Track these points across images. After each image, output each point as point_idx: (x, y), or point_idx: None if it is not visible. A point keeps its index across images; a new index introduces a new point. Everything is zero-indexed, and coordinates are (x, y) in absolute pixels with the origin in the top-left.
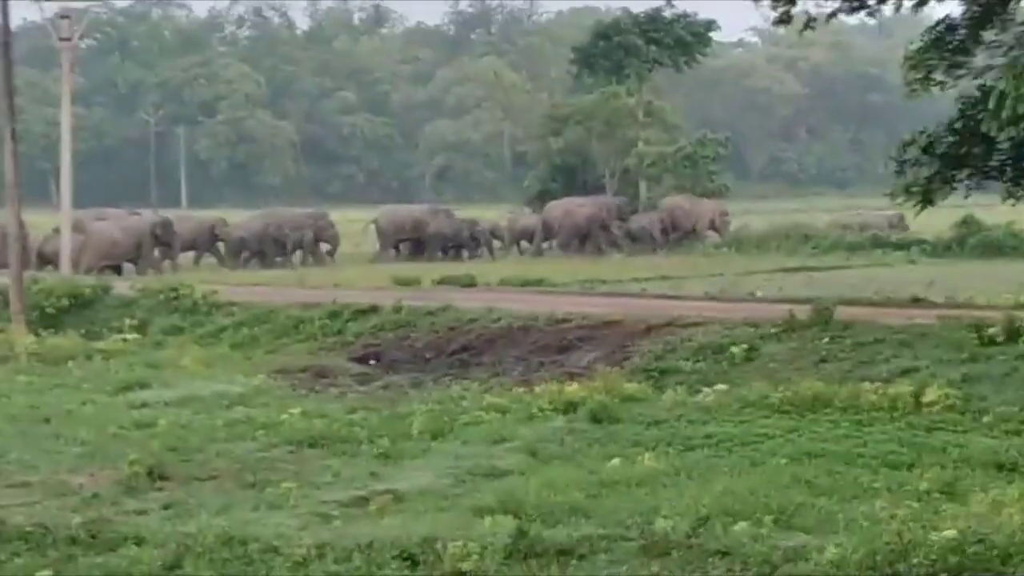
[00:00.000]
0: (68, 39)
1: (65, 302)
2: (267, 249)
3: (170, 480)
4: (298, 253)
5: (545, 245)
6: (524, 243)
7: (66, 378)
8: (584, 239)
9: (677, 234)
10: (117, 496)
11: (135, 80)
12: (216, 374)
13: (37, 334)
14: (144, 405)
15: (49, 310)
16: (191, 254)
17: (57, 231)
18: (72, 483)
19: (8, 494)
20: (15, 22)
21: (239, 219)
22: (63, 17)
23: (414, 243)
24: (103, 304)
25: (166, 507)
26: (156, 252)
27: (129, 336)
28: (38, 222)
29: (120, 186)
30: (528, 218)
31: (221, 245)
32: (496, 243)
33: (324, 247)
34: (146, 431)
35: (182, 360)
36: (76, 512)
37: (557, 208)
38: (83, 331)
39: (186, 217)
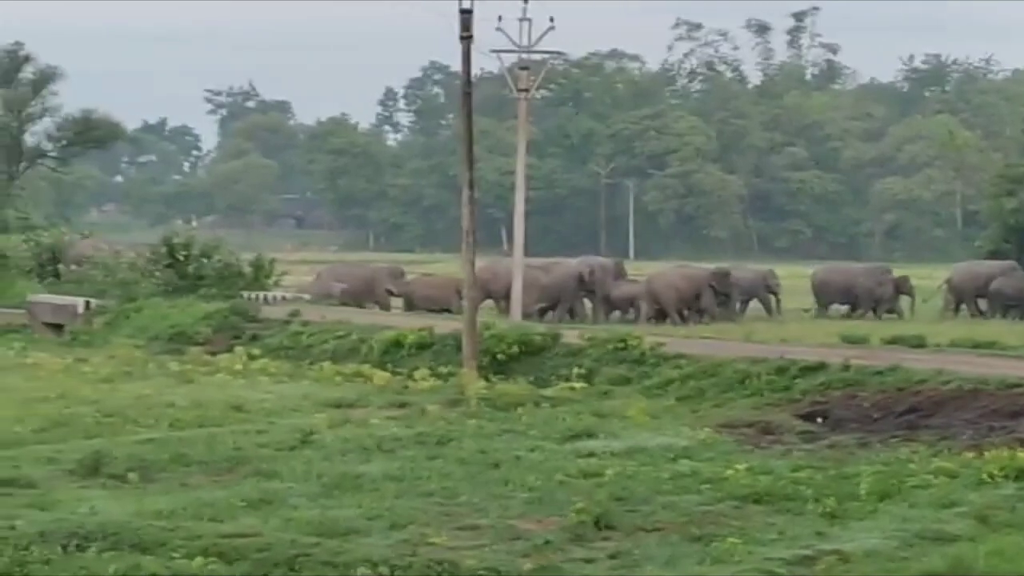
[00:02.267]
0: (526, 90)
1: (516, 349)
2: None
3: (616, 530)
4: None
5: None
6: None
7: (515, 424)
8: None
9: None
10: (564, 543)
11: (587, 131)
12: (662, 426)
13: (488, 379)
14: (591, 454)
15: (500, 356)
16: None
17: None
18: (520, 528)
19: (459, 536)
20: (473, 72)
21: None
22: (522, 68)
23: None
24: (552, 352)
25: (612, 556)
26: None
27: (577, 385)
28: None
29: (569, 235)
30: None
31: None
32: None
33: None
34: (593, 480)
35: (628, 411)
36: (526, 557)
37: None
38: (532, 378)
39: (738, 267)
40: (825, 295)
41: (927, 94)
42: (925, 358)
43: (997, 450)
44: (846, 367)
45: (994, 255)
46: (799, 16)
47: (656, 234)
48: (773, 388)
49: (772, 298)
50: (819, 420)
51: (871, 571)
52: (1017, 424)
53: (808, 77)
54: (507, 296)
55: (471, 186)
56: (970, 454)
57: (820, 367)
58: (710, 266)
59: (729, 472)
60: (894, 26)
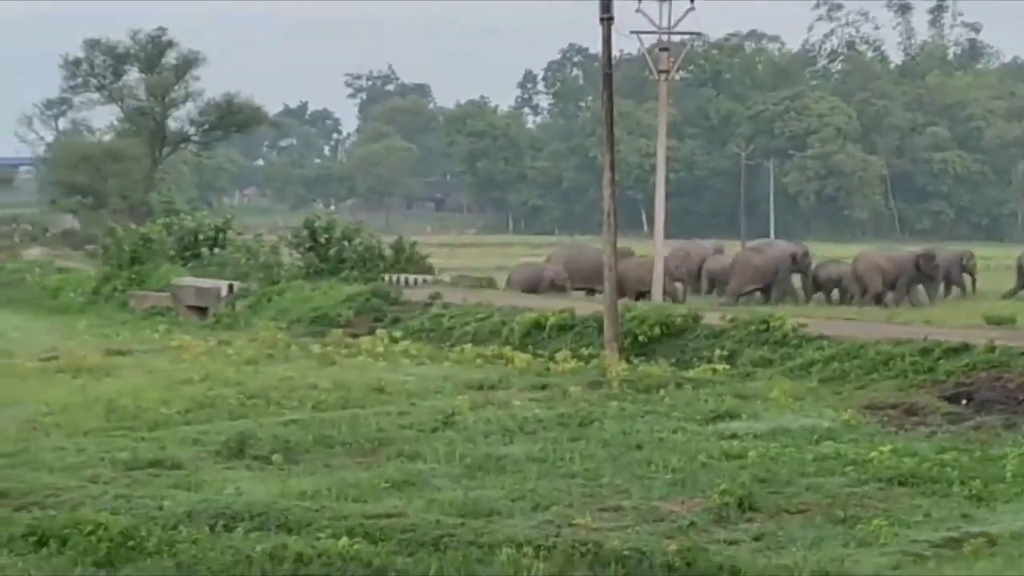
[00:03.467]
0: (666, 71)
1: (657, 330)
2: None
3: (760, 512)
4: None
5: None
6: None
7: (657, 406)
8: None
9: None
10: (708, 525)
11: (727, 112)
12: (805, 408)
13: (629, 361)
14: (733, 436)
15: (641, 338)
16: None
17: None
18: (664, 510)
19: (602, 518)
20: (613, 54)
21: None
22: (662, 50)
23: None
24: (694, 334)
25: (756, 538)
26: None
27: (718, 366)
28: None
29: (709, 217)
30: None
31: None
32: None
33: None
34: (736, 462)
35: (771, 392)
36: (670, 539)
37: None
38: (673, 360)
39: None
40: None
41: None
42: None
43: None
44: (991, 348)
45: None
46: None
47: (796, 216)
48: (917, 370)
49: (968, 279)
50: (964, 401)
51: (1018, 554)
52: None
53: (950, 56)
54: (699, 276)
55: (612, 168)
56: None
57: (964, 348)
58: (856, 248)
59: (873, 454)
60: None
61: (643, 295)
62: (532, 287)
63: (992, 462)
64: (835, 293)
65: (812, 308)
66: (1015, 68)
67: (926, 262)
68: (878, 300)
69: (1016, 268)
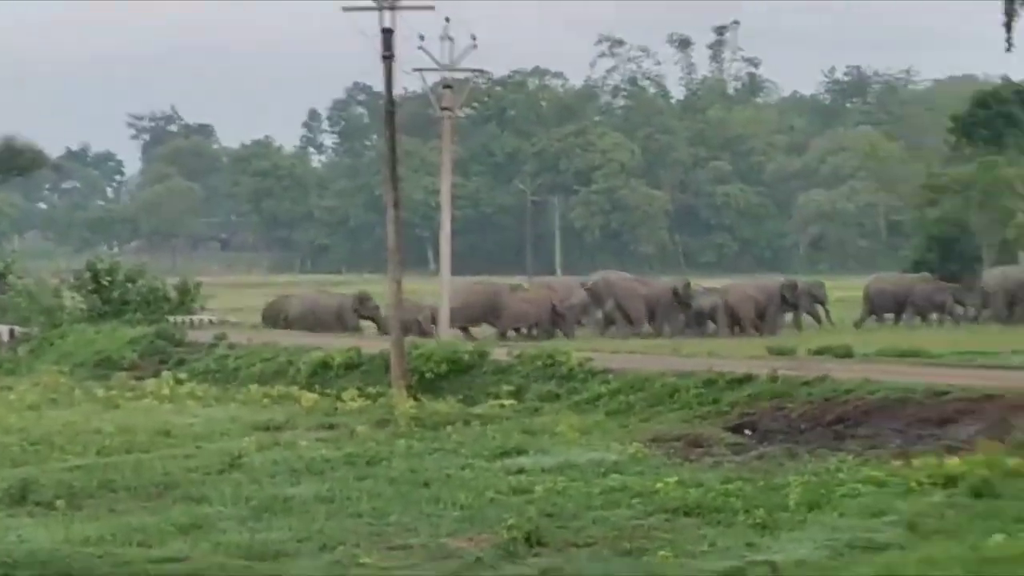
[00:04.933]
0: (449, 108)
1: (444, 367)
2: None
3: (547, 546)
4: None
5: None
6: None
7: (444, 443)
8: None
9: None
10: (496, 561)
11: (512, 149)
12: (592, 441)
13: (417, 399)
14: (521, 471)
15: (428, 375)
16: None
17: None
18: (451, 547)
19: (390, 556)
20: (397, 92)
21: None
22: (445, 87)
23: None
24: (481, 370)
25: (544, 573)
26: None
27: (506, 402)
28: (417, 289)
29: (496, 253)
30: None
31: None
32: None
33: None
34: (523, 497)
35: (558, 427)
36: None
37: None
38: (461, 396)
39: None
40: (879, 304)
41: (849, 106)
42: (852, 368)
43: (925, 458)
44: (774, 378)
45: (919, 265)
46: (720, 30)
47: (582, 250)
48: (701, 401)
49: (820, 308)
50: (747, 432)
51: None
52: (944, 431)
53: (731, 91)
54: (583, 312)
55: (396, 205)
56: (898, 462)
57: (747, 379)
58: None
59: (659, 485)
60: (815, 38)
61: (517, 331)
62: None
63: (775, 491)
64: (710, 325)
65: (600, 341)
66: (794, 102)
67: (790, 291)
68: (753, 329)
69: (864, 296)
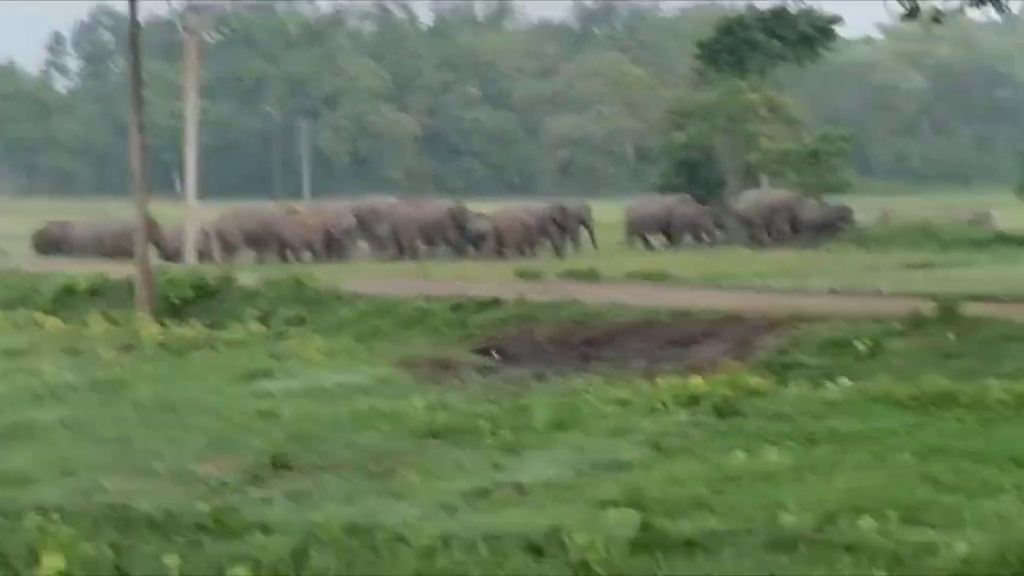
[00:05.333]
0: (195, 32)
1: (190, 292)
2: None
3: (294, 470)
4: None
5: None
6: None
7: (191, 368)
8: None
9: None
10: (242, 485)
11: (259, 73)
12: (339, 365)
13: (163, 324)
14: (268, 395)
15: (174, 300)
16: None
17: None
18: (197, 472)
19: (134, 481)
20: (142, 16)
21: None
22: (191, 11)
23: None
24: (228, 295)
25: (291, 496)
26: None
27: (253, 327)
28: (164, 213)
29: (244, 178)
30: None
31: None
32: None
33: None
34: (271, 421)
35: (305, 351)
36: (202, 500)
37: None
38: (208, 321)
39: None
40: (641, 227)
41: (597, 32)
42: (600, 290)
43: (669, 378)
44: (521, 302)
45: (665, 189)
46: None
47: (331, 175)
48: (450, 325)
49: (586, 232)
50: (495, 355)
51: (547, 501)
52: (688, 352)
53: (480, 17)
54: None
55: (140, 130)
56: (643, 383)
57: (495, 303)
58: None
59: (407, 408)
60: None
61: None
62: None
63: (522, 411)
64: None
65: (350, 266)
66: (542, 27)
67: (560, 214)
68: (522, 252)
69: (626, 219)
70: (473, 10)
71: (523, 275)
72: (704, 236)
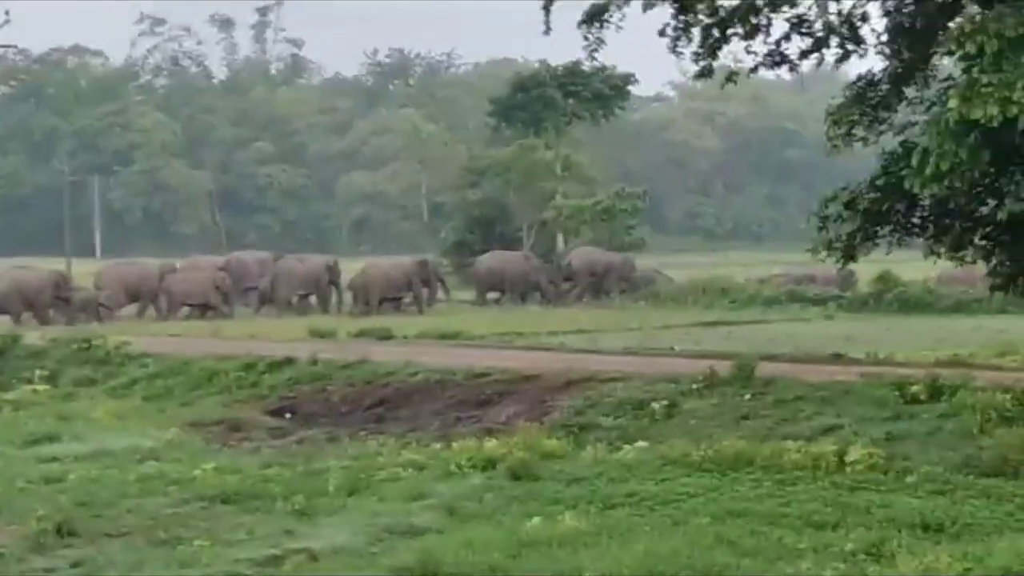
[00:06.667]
0: None
1: None
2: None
3: (79, 536)
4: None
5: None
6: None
7: None
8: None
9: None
10: (24, 553)
11: (50, 128)
12: (128, 427)
13: None
14: (54, 459)
15: None
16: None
17: None
18: None
19: None
20: None
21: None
22: None
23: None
24: (12, 354)
25: (75, 565)
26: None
27: (39, 387)
28: None
29: (33, 234)
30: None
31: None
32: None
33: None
34: (55, 486)
35: (94, 412)
36: None
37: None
38: None
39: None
40: (487, 283)
41: (392, 88)
42: (393, 350)
43: (464, 440)
44: (314, 361)
45: (459, 246)
46: (263, 11)
47: (123, 231)
48: (241, 384)
49: (439, 285)
50: (288, 415)
51: (339, 568)
52: (483, 413)
53: (274, 72)
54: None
55: None
56: (438, 445)
57: (288, 362)
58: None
59: (197, 472)
60: (359, 17)
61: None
62: None
63: (315, 475)
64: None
65: (141, 325)
66: (336, 83)
67: (421, 269)
68: (382, 305)
69: (474, 275)
70: (267, 65)
71: (316, 334)
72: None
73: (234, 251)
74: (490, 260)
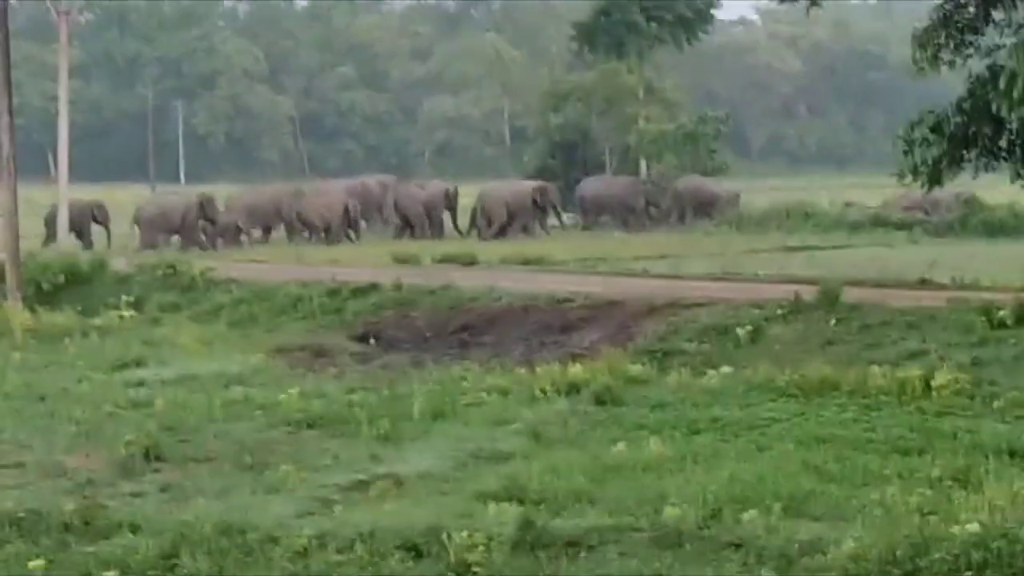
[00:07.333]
0: (66, 11)
1: (62, 278)
2: None
3: (167, 462)
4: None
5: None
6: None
7: (62, 355)
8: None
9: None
10: (113, 478)
11: (134, 54)
12: (214, 353)
13: (33, 310)
14: (140, 384)
15: (45, 286)
16: None
17: None
18: (67, 464)
19: (2, 475)
20: None
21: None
22: None
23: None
24: (100, 281)
25: (163, 490)
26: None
27: (126, 313)
28: (36, 196)
29: (118, 160)
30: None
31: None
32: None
33: None
34: (142, 410)
35: (179, 338)
36: (70, 496)
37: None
38: (79, 308)
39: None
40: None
41: (474, 12)
42: (477, 275)
43: (548, 365)
44: (398, 287)
45: (541, 171)
46: None
47: (206, 157)
48: (325, 311)
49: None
50: (372, 341)
51: (425, 494)
52: (567, 338)
53: None
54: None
55: (10, 112)
56: (522, 370)
57: (372, 288)
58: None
59: (282, 397)
60: None
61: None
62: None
63: (399, 401)
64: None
65: (222, 251)
66: (418, 8)
67: (541, 195)
68: (502, 232)
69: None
70: None
71: (400, 260)
72: (643, 217)
73: (317, 177)
74: (596, 184)
